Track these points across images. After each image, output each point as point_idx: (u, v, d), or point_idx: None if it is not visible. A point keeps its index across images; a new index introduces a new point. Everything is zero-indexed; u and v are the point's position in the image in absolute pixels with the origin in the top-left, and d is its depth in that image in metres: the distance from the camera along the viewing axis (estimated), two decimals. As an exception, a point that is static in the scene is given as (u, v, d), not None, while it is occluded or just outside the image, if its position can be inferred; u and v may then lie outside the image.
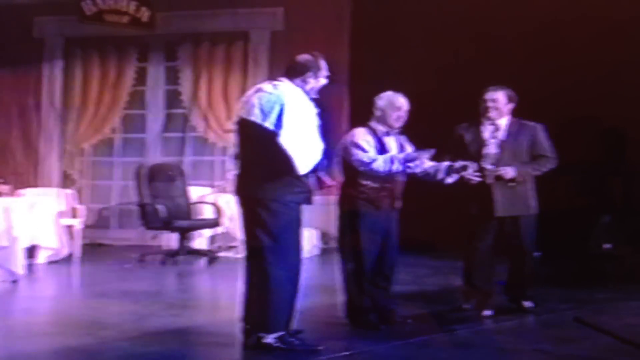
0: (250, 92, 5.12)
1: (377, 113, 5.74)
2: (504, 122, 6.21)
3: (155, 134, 11.48)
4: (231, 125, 5.17)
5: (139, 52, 11.51)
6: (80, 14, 10.66)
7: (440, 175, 5.75)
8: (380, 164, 5.55)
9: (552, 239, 9.02)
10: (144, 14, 10.71)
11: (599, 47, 9.76)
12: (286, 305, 4.91)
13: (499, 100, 6.17)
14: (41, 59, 11.58)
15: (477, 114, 6.24)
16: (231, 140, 5.28)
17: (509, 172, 6.05)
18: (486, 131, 6.18)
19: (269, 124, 4.80)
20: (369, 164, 5.56)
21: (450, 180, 5.79)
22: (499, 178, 6.05)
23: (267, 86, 4.99)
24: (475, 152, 6.13)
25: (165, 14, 10.88)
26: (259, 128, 4.84)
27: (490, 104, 6.16)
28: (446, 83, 9.78)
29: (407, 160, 5.58)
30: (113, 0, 10.66)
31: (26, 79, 11.61)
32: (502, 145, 6.13)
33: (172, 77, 11.48)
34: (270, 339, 4.85)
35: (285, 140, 4.75)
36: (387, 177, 5.64)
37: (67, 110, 11.58)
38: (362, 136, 5.67)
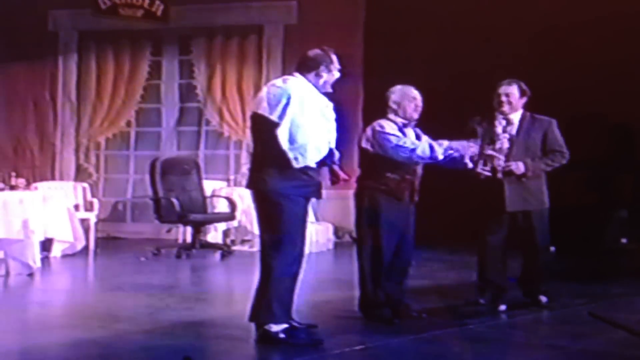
0: (264, 87, 5.16)
1: (394, 106, 5.71)
2: (517, 116, 6.16)
3: (170, 128, 11.51)
4: (246, 119, 5.21)
5: (153, 46, 11.54)
6: (94, 7, 10.68)
7: (465, 159, 5.64)
8: (425, 149, 5.49)
9: (566, 235, 8.99)
10: (158, 8, 10.73)
11: (607, 44, 9.72)
12: (284, 297, 4.90)
13: (513, 95, 6.13)
14: (56, 53, 11.62)
15: (491, 107, 6.21)
16: (247, 134, 5.28)
17: (519, 167, 6.02)
18: (499, 125, 6.14)
19: (275, 117, 4.82)
20: (413, 150, 5.49)
21: (472, 165, 5.72)
22: (509, 173, 6.02)
23: (277, 81, 5.03)
24: (485, 146, 6.07)
25: (179, 8, 10.88)
26: (266, 121, 4.86)
27: (503, 98, 6.12)
28: (459, 77, 9.75)
29: (450, 149, 5.52)
30: (127, -7, 10.68)
31: (41, 72, 11.65)
32: (512, 140, 6.09)
33: (187, 70, 11.51)
34: (274, 330, 4.85)
35: (282, 132, 4.77)
36: (408, 169, 5.61)
37: (82, 104, 11.62)
38: (390, 126, 5.64)
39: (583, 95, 9.73)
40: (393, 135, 5.57)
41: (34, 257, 7.73)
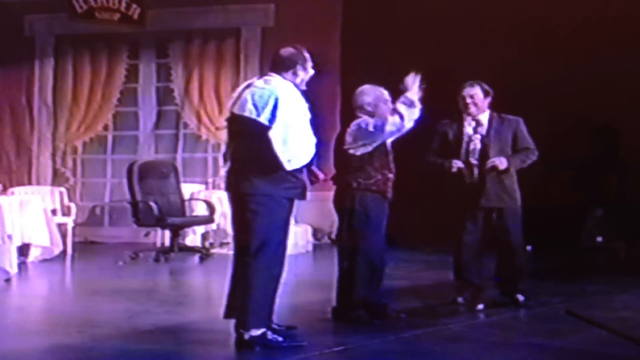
0: (240, 88, 5.09)
1: (368, 108, 5.71)
2: (485, 117, 6.22)
3: (148, 131, 11.48)
4: (223, 121, 5.16)
5: (130, 50, 11.51)
6: (71, 11, 10.64)
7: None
8: (395, 120, 5.46)
9: (544, 233, 9.05)
10: (135, 11, 10.70)
11: (592, 45, 9.79)
12: (267, 301, 4.89)
13: (477, 96, 6.19)
14: (32, 57, 11.57)
15: (458, 110, 6.26)
16: (223, 137, 5.25)
17: (503, 162, 6.07)
18: (469, 127, 6.20)
19: (264, 119, 4.77)
20: (400, 120, 5.45)
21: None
22: (492, 169, 6.06)
23: (258, 82, 4.97)
24: (457, 149, 6.17)
25: (156, 11, 10.87)
26: (253, 123, 4.81)
27: (469, 100, 6.18)
28: (439, 78, 9.77)
29: (406, 103, 5.49)
30: (104, -3, 10.65)
31: (17, 77, 11.60)
32: (484, 140, 6.15)
33: (164, 74, 11.49)
34: (252, 335, 4.82)
35: (275, 134, 4.74)
36: (389, 167, 5.64)
37: (59, 108, 11.57)
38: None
39: (567, 96, 9.81)
40: (366, 124, 5.57)
41: (11, 262, 7.67)
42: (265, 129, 4.76)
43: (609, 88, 9.73)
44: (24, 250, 8.62)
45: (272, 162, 4.78)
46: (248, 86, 4.98)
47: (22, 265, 8.29)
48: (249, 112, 4.82)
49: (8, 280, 7.57)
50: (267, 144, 4.75)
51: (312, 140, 4.92)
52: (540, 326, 5.75)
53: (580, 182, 10.51)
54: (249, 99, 4.85)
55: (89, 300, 6.86)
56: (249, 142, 4.88)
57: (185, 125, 11.34)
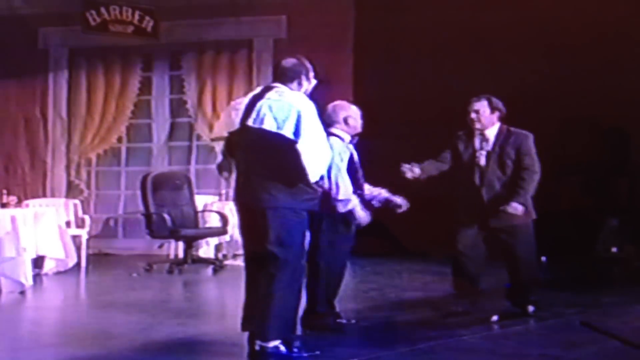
0: (246, 100, 5.03)
1: (350, 121, 5.77)
2: (492, 131, 6.16)
3: (161, 143, 11.52)
4: (224, 133, 5.12)
5: (143, 62, 11.56)
6: (84, 24, 10.70)
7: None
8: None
9: (556, 241, 9.00)
10: (148, 24, 10.76)
11: (601, 47, 9.78)
12: (290, 313, 4.91)
13: (482, 111, 6.13)
14: (46, 70, 11.62)
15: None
16: (219, 148, 5.24)
17: (518, 209, 5.99)
18: (477, 142, 6.17)
19: (288, 132, 4.76)
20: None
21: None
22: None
23: (271, 94, 4.92)
24: (467, 162, 6.16)
25: (169, 24, 10.91)
26: (275, 136, 4.79)
27: (473, 115, 6.14)
28: (451, 87, 9.79)
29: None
30: (117, 10, 10.70)
31: (32, 90, 11.65)
32: (488, 156, 6.12)
33: (177, 86, 11.52)
34: (271, 346, 4.83)
35: (303, 147, 4.74)
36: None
37: (73, 120, 11.63)
38: (337, 144, 5.64)
39: (577, 99, 9.79)
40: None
41: (26, 275, 7.71)
42: (290, 142, 4.76)
43: (619, 91, 9.70)
44: (38, 262, 8.65)
45: (297, 175, 4.79)
46: (257, 98, 4.94)
47: (36, 277, 8.31)
48: (270, 125, 4.80)
49: (23, 292, 7.61)
50: (294, 156, 4.75)
51: (329, 151, 4.94)
52: (555, 337, 5.72)
53: (591, 187, 10.47)
54: (267, 112, 4.82)
55: (103, 312, 6.88)
56: (268, 155, 4.86)
57: (199, 137, 11.37)
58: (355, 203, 5.58)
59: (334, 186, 5.48)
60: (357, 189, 5.70)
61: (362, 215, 5.63)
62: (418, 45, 10.26)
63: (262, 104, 4.88)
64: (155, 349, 5.34)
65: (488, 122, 6.14)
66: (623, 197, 10.49)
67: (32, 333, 6.11)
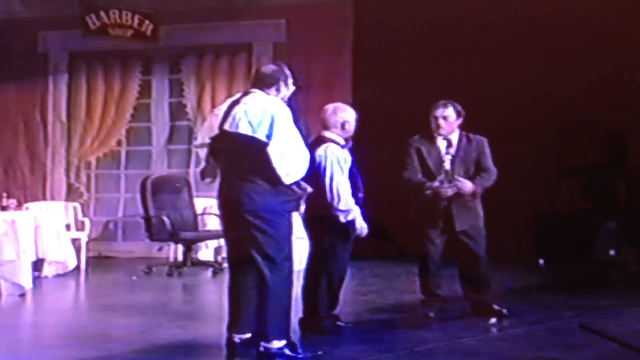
0: (224, 106, 5.10)
1: (346, 126, 5.75)
2: (455, 137, 6.28)
3: (161, 146, 11.54)
4: (206, 139, 5.18)
5: (143, 65, 11.59)
6: (84, 28, 10.72)
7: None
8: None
9: (554, 244, 9.03)
10: (148, 28, 10.78)
11: (600, 50, 9.80)
12: (285, 313, 4.95)
13: (450, 117, 6.23)
14: (46, 74, 11.65)
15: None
16: (203, 155, 5.27)
17: (469, 185, 6.12)
18: (441, 146, 6.26)
19: (261, 136, 4.83)
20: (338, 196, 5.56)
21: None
22: (458, 194, 6.10)
23: (247, 99, 5.00)
24: (434, 167, 6.23)
25: (169, 27, 10.93)
26: (249, 140, 4.86)
27: (441, 121, 6.22)
28: (450, 90, 9.80)
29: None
30: (117, 14, 10.72)
31: (32, 93, 11.68)
32: (454, 160, 6.23)
33: (177, 89, 11.55)
34: (274, 347, 4.87)
35: (273, 150, 4.80)
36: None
37: (72, 123, 11.65)
38: (339, 152, 5.66)
39: (576, 102, 9.81)
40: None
41: (26, 278, 7.72)
42: (263, 145, 4.82)
43: (617, 94, 9.73)
44: (38, 265, 8.66)
45: (271, 177, 4.84)
46: (235, 103, 5.01)
47: (36, 280, 8.32)
48: (245, 129, 4.87)
49: (23, 295, 7.62)
50: (266, 159, 4.81)
51: (307, 154, 4.98)
52: (553, 340, 5.73)
53: (589, 189, 10.49)
54: (243, 116, 4.90)
55: (103, 315, 6.88)
56: (245, 158, 4.92)
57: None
58: (356, 214, 5.57)
59: (335, 196, 5.51)
60: (358, 192, 5.71)
61: (363, 227, 5.61)
62: (417, 48, 10.29)
63: (238, 109, 4.96)
64: (154, 352, 5.35)
65: (453, 127, 6.26)
66: (621, 200, 10.52)
67: (31, 336, 6.13)
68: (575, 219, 9.97)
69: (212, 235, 9.81)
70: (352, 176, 5.69)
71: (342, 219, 5.51)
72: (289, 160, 4.84)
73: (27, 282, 7.72)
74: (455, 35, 10.11)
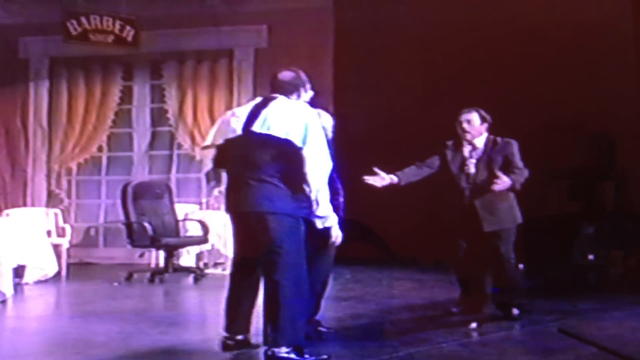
0: (244, 108, 5.10)
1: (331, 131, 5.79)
2: (481, 141, 6.41)
3: (142, 152, 11.53)
4: (220, 141, 5.13)
5: (124, 71, 11.58)
6: (65, 34, 10.69)
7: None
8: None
9: (537, 247, 9.07)
10: (129, 33, 10.76)
11: (588, 53, 9.88)
12: (295, 318, 4.92)
13: (473, 121, 6.37)
14: (27, 79, 11.62)
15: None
16: (209, 156, 5.22)
17: (506, 181, 6.14)
18: (466, 151, 6.37)
19: (297, 140, 4.82)
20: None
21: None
22: (486, 190, 6.14)
23: (275, 103, 4.99)
24: (456, 170, 6.35)
25: (150, 33, 10.92)
26: (283, 142, 4.84)
27: (465, 125, 6.37)
28: (431, 96, 9.85)
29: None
30: (98, 20, 10.71)
31: (12, 99, 11.64)
32: (478, 164, 6.32)
33: (158, 95, 11.55)
34: (284, 353, 4.85)
35: (310, 154, 4.82)
36: None
37: (53, 129, 11.61)
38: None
39: (563, 105, 9.88)
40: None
41: (7, 284, 7.69)
42: (298, 148, 4.83)
43: (605, 97, 9.80)
44: (19, 271, 8.63)
45: (300, 181, 4.85)
46: (260, 107, 4.99)
47: (17, 286, 8.29)
48: (279, 131, 4.86)
49: (3, 302, 7.59)
50: (299, 163, 4.82)
51: (330, 162, 5.00)
52: (533, 344, 5.77)
53: (577, 191, 10.56)
54: (276, 119, 4.89)
55: (84, 321, 6.86)
56: (273, 161, 4.90)
57: (179, 146, 11.39)
58: (333, 222, 5.51)
59: (314, 202, 5.49)
60: (338, 197, 5.73)
61: (338, 235, 5.38)
62: (399, 54, 10.34)
63: (268, 112, 4.95)
64: (136, 358, 5.34)
65: (477, 132, 6.36)
66: (609, 201, 10.60)
67: (12, 342, 6.09)
68: (561, 221, 10.03)
69: (194, 241, 9.82)
70: (331, 181, 5.70)
71: (319, 224, 5.48)
72: (319, 167, 4.87)
73: (7, 289, 7.69)
74: (438, 40, 10.16)
